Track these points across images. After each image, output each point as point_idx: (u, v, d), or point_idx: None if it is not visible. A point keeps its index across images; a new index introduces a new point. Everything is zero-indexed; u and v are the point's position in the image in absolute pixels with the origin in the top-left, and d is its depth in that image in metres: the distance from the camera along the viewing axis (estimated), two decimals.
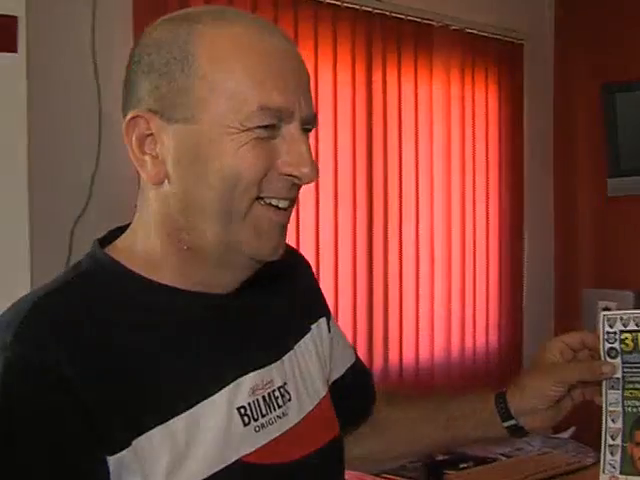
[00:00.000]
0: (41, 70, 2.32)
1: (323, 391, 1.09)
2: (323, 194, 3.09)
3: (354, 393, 1.24)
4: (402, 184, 3.38)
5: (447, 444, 1.26)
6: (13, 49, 2.11)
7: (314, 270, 3.00)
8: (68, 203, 2.48)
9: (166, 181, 0.94)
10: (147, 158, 0.94)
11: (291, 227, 1.00)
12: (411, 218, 3.41)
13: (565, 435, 3.74)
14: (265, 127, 0.92)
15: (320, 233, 3.10)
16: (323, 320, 1.15)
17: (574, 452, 3.55)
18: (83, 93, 2.51)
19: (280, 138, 0.93)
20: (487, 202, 3.72)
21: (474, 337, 3.64)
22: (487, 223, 3.72)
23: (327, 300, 3.10)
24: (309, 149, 0.95)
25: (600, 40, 3.76)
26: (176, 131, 0.93)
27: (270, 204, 0.94)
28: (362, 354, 3.20)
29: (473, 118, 3.65)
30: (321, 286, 3.05)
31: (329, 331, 1.16)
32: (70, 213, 2.46)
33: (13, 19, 2.11)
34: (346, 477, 1.98)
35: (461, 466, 3.39)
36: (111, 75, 2.52)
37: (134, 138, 0.94)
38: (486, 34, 3.67)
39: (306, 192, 2.98)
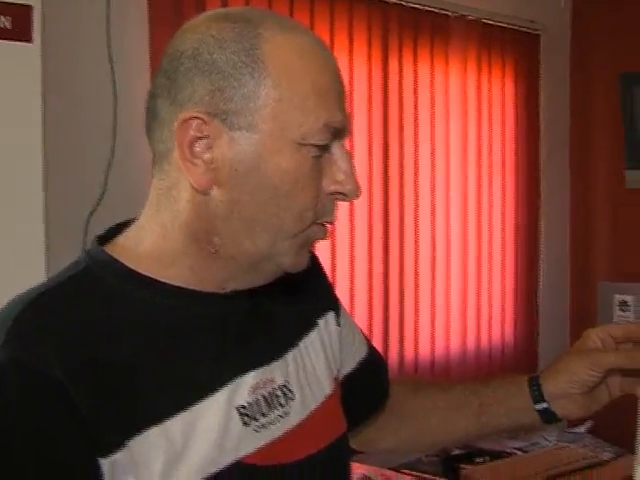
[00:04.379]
0: (56, 60, 2.29)
1: (329, 389, 1.06)
2: None
3: (366, 387, 1.22)
4: (418, 176, 3.35)
5: (479, 433, 1.22)
6: (28, 39, 2.09)
7: (330, 265, 3.01)
8: (83, 194, 2.46)
9: (214, 187, 0.90)
10: (199, 162, 0.89)
11: None
12: (427, 212, 3.39)
13: (582, 429, 3.71)
14: (322, 146, 0.90)
15: (336, 227, 3.07)
16: (331, 314, 1.12)
17: (591, 447, 3.52)
18: (98, 83, 2.49)
19: (327, 155, 0.92)
20: (503, 196, 3.69)
21: (490, 332, 3.62)
22: (503, 217, 3.69)
23: (343, 295, 3.10)
24: (354, 166, 0.94)
25: (618, 30, 3.72)
26: (237, 138, 0.88)
27: (322, 224, 0.94)
28: (378, 349, 3.18)
29: (490, 109, 3.61)
30: (337, 281, 3.06)
31: (338, 325, 1.13)
32: (85, 205, 2.44)
33: (28, 8, 2.09)
34: (364, 471, 1.97)
35: (477, 460, 3.37)
36: (127, 64, 2.50)
37: (187, 140, 0.89)
38: (503, 24, 3.64)
39: None
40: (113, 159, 2.48)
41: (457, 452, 3.49)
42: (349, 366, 1.18)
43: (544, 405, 1.14)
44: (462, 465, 3.32)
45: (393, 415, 1.26)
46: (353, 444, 1.28)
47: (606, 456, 3.34)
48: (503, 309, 3.69)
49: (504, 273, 3.69)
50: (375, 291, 3.21)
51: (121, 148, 2.48)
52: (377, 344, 3.17)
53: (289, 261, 0.94)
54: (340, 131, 0.92)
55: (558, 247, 3.98)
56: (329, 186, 0.92)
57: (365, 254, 3.17)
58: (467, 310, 3.52)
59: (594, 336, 1.13)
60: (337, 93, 0.92)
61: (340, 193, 0.93)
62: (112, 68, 2.49)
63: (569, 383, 1.12)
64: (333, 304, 1.14)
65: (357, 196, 0.94)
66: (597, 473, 3.20)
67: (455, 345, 3.45)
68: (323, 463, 1.00)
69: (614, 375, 1.12)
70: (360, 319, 3.15)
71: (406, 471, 2.08)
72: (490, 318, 3.62)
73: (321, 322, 1.09)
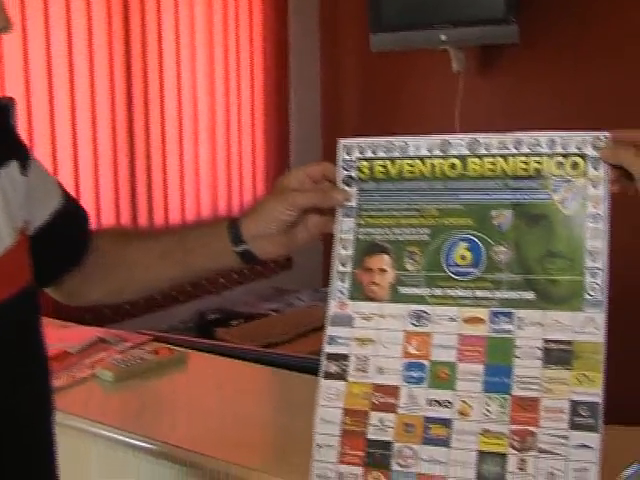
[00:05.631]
0: None
1: (10, 240, 0.99)
2: (77, 60, 2.93)
3: (64, 239, 1.18)
4: (162, 39, 3.23)
5: (185, 277, 1.21)
6: None
7: (71, 132, 2.87)
8: None
9: None
10: None
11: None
12: (173, 77, 3.29)
13: None
14: None
15: (76, 96, 2.93)
16: (15, 163, 1.04)
17: None
18: None
19: None
20: (251, 60, 3.64)
21: (241, 196, 3.62)
22: (252, 82, 3.65)
23: (85, 164, 2.98)
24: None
25: None
26: None
27: None
28: (125, 217, 3.11)
29: None
30: (79, 150, 2.94)
31: (24, 174, 1.06)
32: None
33: None
34: (99, 334, 1.92)
35: (232, 323, 3.42)
36: None
37: None
38: None
39: (59, 68, 2.82)
40: None
41: (212, 317, 3.53)
42: (42, 218, 1.13)
43: (243, 246, 1.13)
44: (217, 328, 3.37)
45: (99, 266, 1.22)
46: (60, 298, 1.26)
47: None
48: (254, 173, 3.70)
49: (254, 137, 3.69)
50: (120, 159, 3.11)
51: None
52: (125, 212, 3.10)
53: None
54: None
55: (309, 110, 4.01)
56: None
57: (108, 119, 3.06)
58: (218, 176, 3.50)
59: (291, 177, 1.12)
60: None
61: None
62: None
63: (266, 223, 1.12)
64: (17, 153, 1.07)
65: (7, 29, 0.90)
66: None
67: (206, 211, 3.44)
68: (2, 316, 0.96)
69: (312, 214, 1.13)
70: (105, 188, 3.05)
71: (148, 332, 2.06)
72: (241, 182, 3.63)
73: (2, 172, 1.01)
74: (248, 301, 3.69)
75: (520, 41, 3.28)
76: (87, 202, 2.94)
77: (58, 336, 1.91)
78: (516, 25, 3.25)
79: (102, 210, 3.02)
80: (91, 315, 2.85)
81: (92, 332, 1.96)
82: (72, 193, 2.92)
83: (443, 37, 3.42)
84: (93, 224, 1.26)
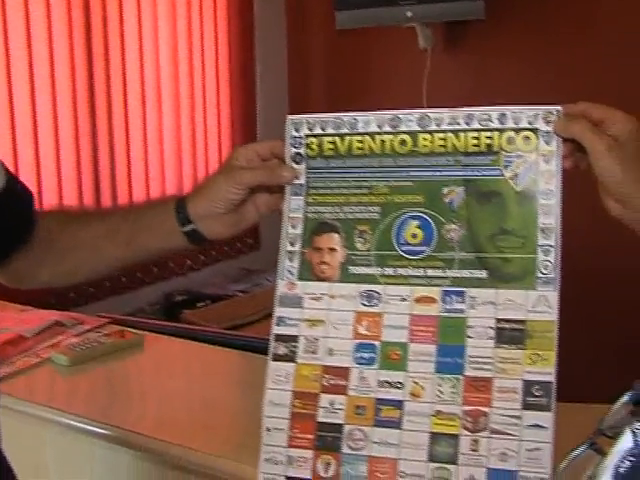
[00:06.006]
0: None
1: None
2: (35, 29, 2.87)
3: (7, 220, 1.14)
4: (123, 21, 3.17)
5: (131, 258, 1.17)
6: None
7: (31, 111, 2.80)
8: None
9: None
10: None
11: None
12: (135, 58, 3.23)
13: None
14: None
15: (35, 75, 2.87)
16: None
17: None
18: None
19: None
20: (216, 39, 3.59)
21: (207, 173, 3.57)
22: (217, 61, 3.60)
23: (46, 144, 2.91)
24: None
25: None
26: None
27: None
28: (88, 196, 3.06)
29: None
30: (40, 130, 2.88)
31: None
32: None
33: None
34: (55, 317, 1.88)
35: (198, 305, 3.39)
36: None
37: None
38: None
39: (17, 43, 2.75)
40: None
41: (179, 298, 3.49)
42: None
43: (190, 226, 1.10)
44: (184, 310, 3.34)
45: (52, 248, 1.19)
46: (7, 281, 1.23)
47: None
48: (220, 151, 3.65)
49: (220, 115, 3.64)
50: (82, 139, 3.05)
51: None
52: (88, 190, 3.06)
53: None
54: None
55: (276, 89, 3.97)
56: None
57: (69, 99, 3.00)
58: (182, 152, 3.45)
59: (239, 154, 1.09)
60: None
61: None
62: None
63: (212, 202, 1.08)
64: None
65: None
66: None
67: (171, 190, 3.39)
68: None
69: (261, 193, 1.10)
70: (67, 168, 3.00)
71: (107, 314, 2.02)
72: (207, 160, 3.58)
73: None
74: (215, 282, 3.65)
75: (486, 17, 3.25)
76: (49, 182, 2.89)
77: (15, 320, 1.88)
78: (482, 1, 3.22)
79: (64, 190, 2.96)
80: (55, 299, 2.81)
81: (49, 315, 1.92)
82: (34, 173, 2.90)
83: (409, 14, 3.39)
84: (55, 204, 1.23)
